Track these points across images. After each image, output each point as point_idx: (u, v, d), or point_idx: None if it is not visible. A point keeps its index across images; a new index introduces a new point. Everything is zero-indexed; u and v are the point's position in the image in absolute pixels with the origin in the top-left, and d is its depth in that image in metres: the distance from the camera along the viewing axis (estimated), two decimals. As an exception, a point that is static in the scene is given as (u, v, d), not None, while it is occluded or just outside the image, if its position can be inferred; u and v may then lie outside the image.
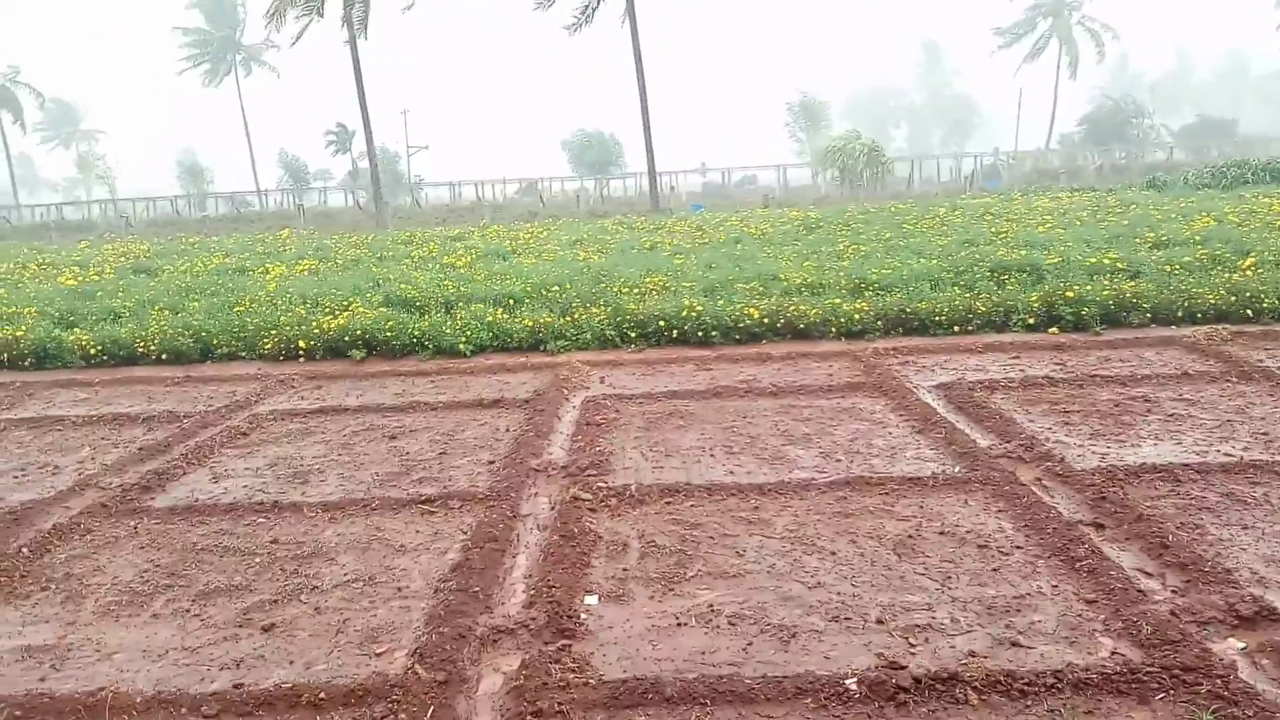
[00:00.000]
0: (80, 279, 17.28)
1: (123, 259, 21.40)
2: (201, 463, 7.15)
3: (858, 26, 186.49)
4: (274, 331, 11.07)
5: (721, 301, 11.18)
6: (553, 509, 5.78)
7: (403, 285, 13.32)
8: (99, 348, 11.08)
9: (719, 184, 60.31)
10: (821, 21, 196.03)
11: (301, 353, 10.79)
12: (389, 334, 10.73)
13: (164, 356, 10.96)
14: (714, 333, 10.50)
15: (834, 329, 10.53)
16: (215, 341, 11.13)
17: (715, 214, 28.16)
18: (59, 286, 16.11)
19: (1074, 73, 68.36)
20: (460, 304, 11.98)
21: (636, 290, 12.18)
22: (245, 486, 6.53)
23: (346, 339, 10.76)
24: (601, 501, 5.81)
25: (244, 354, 11.04)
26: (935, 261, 13.17)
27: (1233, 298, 10.43)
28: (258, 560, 5.25)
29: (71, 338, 11.33)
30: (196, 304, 13.05)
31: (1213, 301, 10.40)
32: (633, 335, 10.64)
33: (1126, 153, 61.61)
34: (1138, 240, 14.54)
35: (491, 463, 6.74)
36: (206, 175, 75.88)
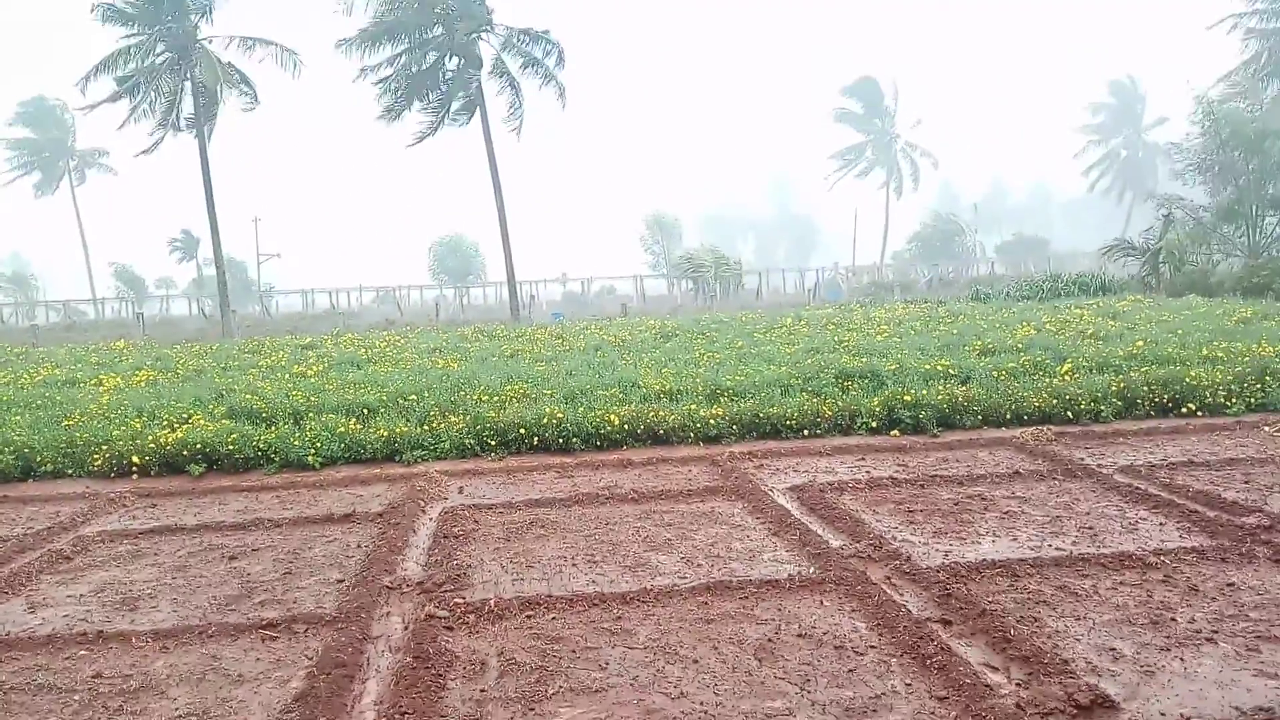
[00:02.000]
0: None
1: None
2: (16, 591, 6.49)
3: (710, 150, 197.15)
4: (105, 446, 10.33)
5: (582, 408, 11.22)
6: (406, 629, 5.52)
7: (248, 396, 12.75)
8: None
9: (579, 293, 61.34)
10: (676, 143, 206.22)
11: (135, 469, 10.08)
12: (231, 447, 10.20)
13: (-25, 476, 10.03)
14: (575, 439, 10.50)
15: (692, 434, 10.71)
16: (39, 458, 10.28)
17: (575, 322, 28.50)
18: None
19: (900, 193, 74.25)
20: (310, 414, 11.55)
21: (496, 398, 12.09)
22: (66, 616, 5.95)
23: (185, 453, 10.15)
24: (459, 618, 5.60)
25: (71, 471, 10.22)
26: (785, 369, 13.69)
27: (1054, 400, 11.25)
28: (77, 698, 4.75)
29: None
30: (19, 419, 12.05)
31: (1037, 404, 11.19)
32: (493, 444, 10.51)
33: (954, 267, 66.76)
34: (967, 348, 15.58)
35: (341, 581, 6.41)
36: (34, 283, 71.40)
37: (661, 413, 10.94)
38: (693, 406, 11.23)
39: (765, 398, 11.67)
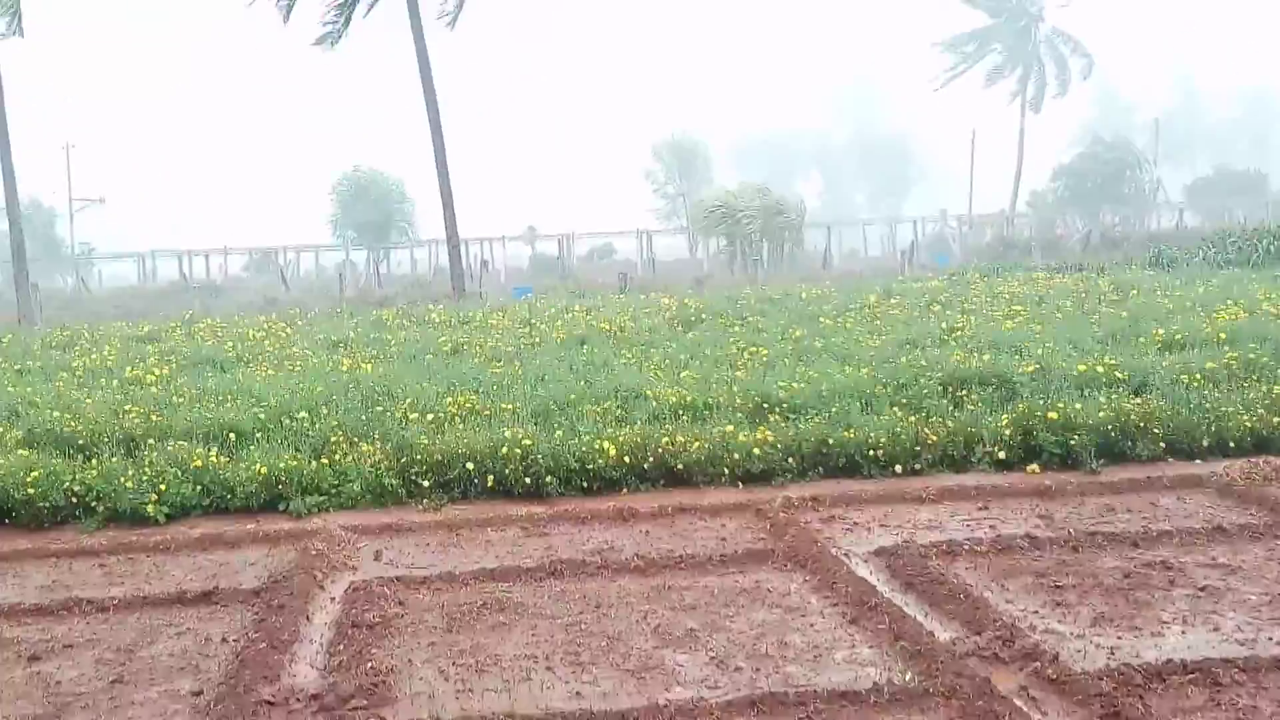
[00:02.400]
0: None
1: None
2: None
3: (750, 46, 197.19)
4: None
5: (561, 431, 11.23)
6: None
7: (57, 413, 12.78)
8: None
9: (556, 257, 61.45)
10: (700, 39, 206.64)
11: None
12: (31, 491, 10.21)
13: None
14: (550, 479, 10.51)
15: (727, 470, 10.71)
16: None
17: (550, 301, 28.49)
18: None
19: (1039, 106, 74.00)
20: (151, 442, 11.57)
21: (432, 416, 12.10)
22: None
23: (-38, 499, 10.16)
24: (375, 749, 5.60)
25: None
26: (866, 371, 13.65)
27: (1276, 420, 11.21)
28: None
29: None
30: None
31: (1249, 425, 11.16)
32: (425, 485, 10.52)
33: (1121, 216, 66.58)
34: (1142, 340, 15.55)
35: (197, 695, 6.41)
36: None
37: (681, 438, 10.93)
38: (728, 429, 11.23)
39: (837, 416, 11.65)
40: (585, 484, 10.59)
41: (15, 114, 38.18)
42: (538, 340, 18.77)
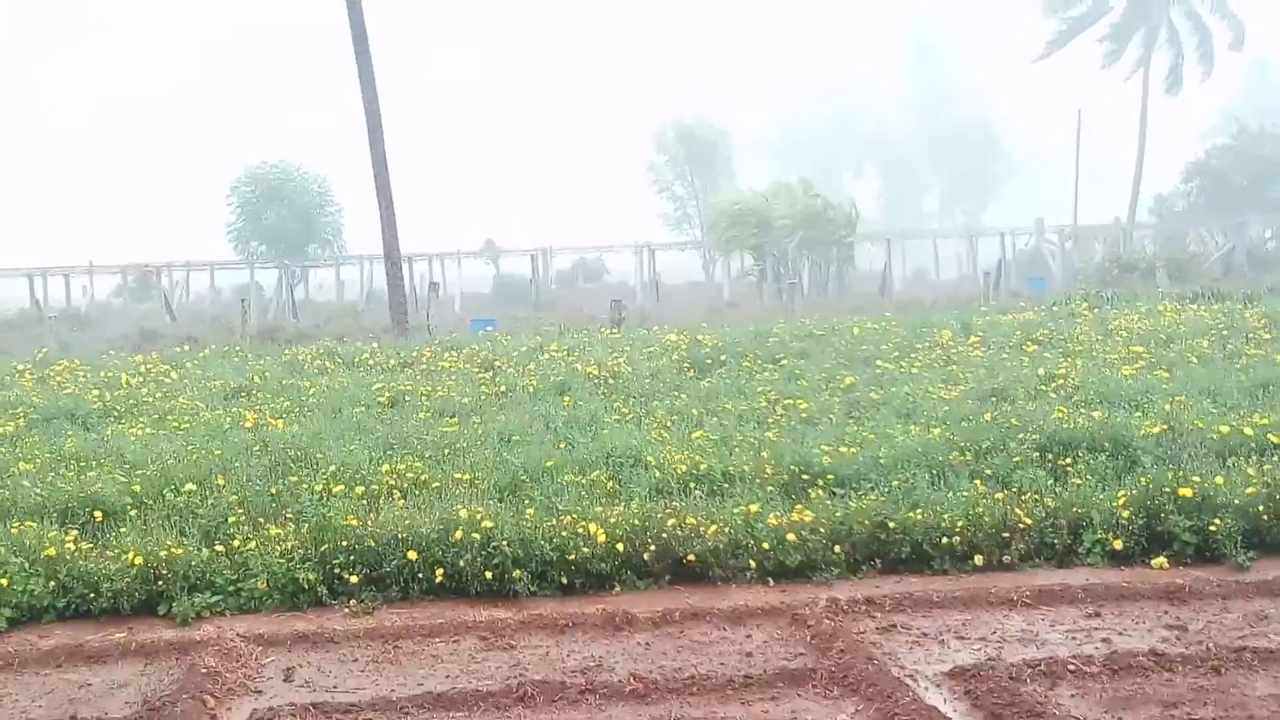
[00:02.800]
0: None
1: None
2: None
3: (781, 16, 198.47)
4: None
5: (534, 510, 11.20)
6: None
7: None
8: None
9: (527, 280, 61.56)
10: (716, 13, 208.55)
11: None
12: None
13: None
14: (518, 573, 10.48)
15: (753, 563, 10.69)
16: None
17: (520, 337, 28.41)
18: None
19: (1177, 87, 73.81)
20: (-9, 520, 11.54)
21: (362, 490, 12.06)
22: None
23: None
24: None
25: None
26: (938, 432, 13.62)
27: None
28: None
29: None
30: None
31: None
32: (353, 580, 10.49)
33: (1275, 230, 66.23)
34: (1304, 392, 15.49)
35: None
36: None
37: (692, 519, 10.92)
38: (754, 508, 11.20)
39: (899, 491, 11.62)
40: (565, 580, 10.54)
41: None
42: (503, 389, 18.75)
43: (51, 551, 10.63)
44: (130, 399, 19.08)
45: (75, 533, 11.18)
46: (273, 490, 12.19)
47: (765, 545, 10.75)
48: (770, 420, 15.22)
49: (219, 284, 68.81)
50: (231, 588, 10.50)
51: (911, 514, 11.06)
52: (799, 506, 11.36)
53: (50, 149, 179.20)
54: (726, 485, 12.11)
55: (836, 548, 10.85)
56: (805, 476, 12.21)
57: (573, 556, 10.59)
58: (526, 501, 11.64)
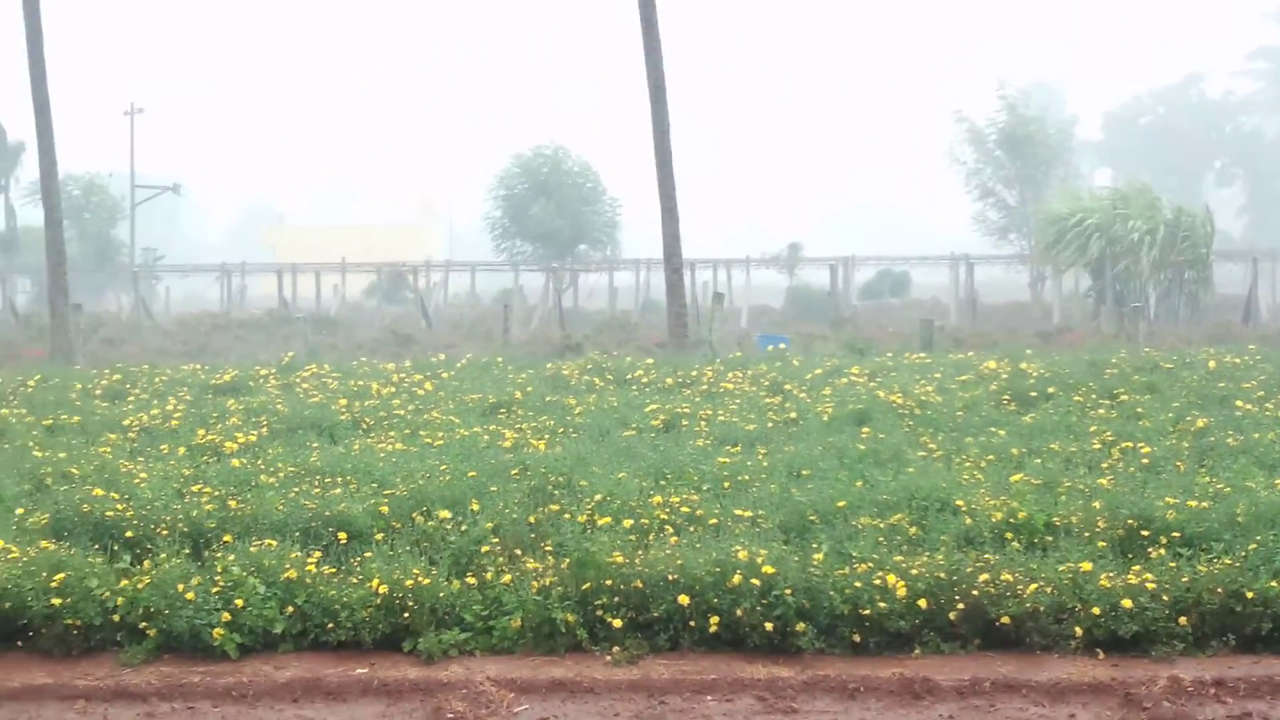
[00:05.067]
0: None
1: None
2: None
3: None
4: None
5: (823, 556, 11.12)
6: None
7: (97, 491, 13.27)
8: None
9: (824, 292, 61.37)
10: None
11: None
12: (57, 601, 10.62)
13: None
14: (803, 626, 10.43)
15: (1079, 630, 10.48)
16: None
17: (815, 358, 28.30)
18: None
19: None
20: (227, 538, 11.90)
21: (630, 523, 12.12)
22: None
23: (-43, 609, 10.65)
24: None
25: None
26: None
27: None
28: None
29: None
30: None
31: None
32: (617, 625, 10.54)
33: None
34: None
35: None
36: None
37: (1008, 575, 10.73)
38: (1083, 566, 10.96)
39: (1259, 555, 11.24)
40: (857, 637, 10.44)
41: (61, 67, 40.24)
42: (793, 416, 18.69)
43: (292, 574, 10.93)
44: (380, 411, 19.53)
45: (318, 554, 11.48)
46: (531, 519, 12.35)
47: (1095, 610, 10.49)
48: (1104, 465, 14.85)
49: (481, 287, 69.96)
50: (482, 625, 10.66)
51: (1273, 584, 10.68)
52: (1136, 567, 11.06)
53: (307, 132, 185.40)
54: (1049, 538, 11.85)
55: (1179, 618, 10.50)
56: (1144, 533, 11.87)
57: (866, 611, 10.46)
58: (815, 545, 11.50)
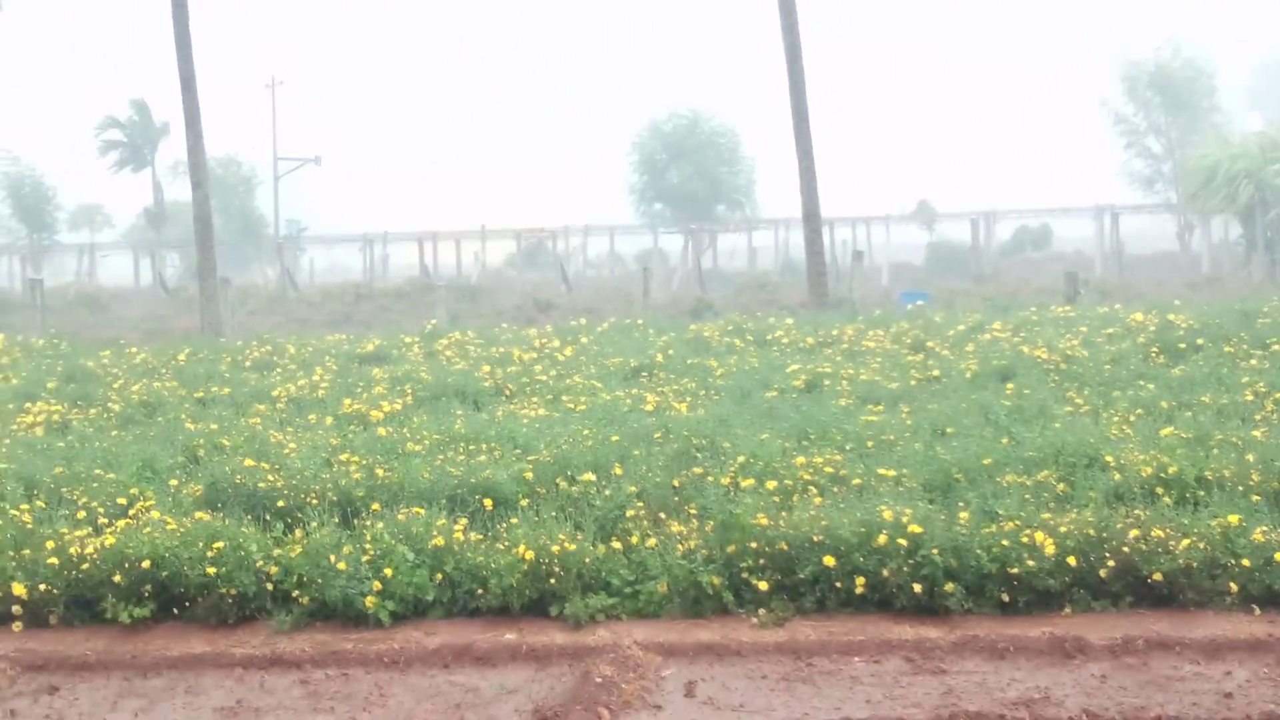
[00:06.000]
0: None
1: None
2: None
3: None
4: (-40, 559, 11.22)
5: (969, 515, 11.05)
6: None
7: (249, 461, 13.44)
8: None
9: (961, 247, 60.80)
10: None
11: (19, 608, 10.88)
12: (212, 571, 10.79)
13: None
14: (951, 586, 10.38)
15: (1234, 586, 10.32)
16: None
17: (957, 314, 28.00)
18: None
19: None
20: (375, 506, 12.02)
21: (774, 485, 12.10)
22: None
23: (118, 578, 10.84)
24: None
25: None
26: None
27: None
28: None
29: None
30: None
31: None
32: (763, 587, 10.53)
33: None
34: None
35: None
36: None
37: (1159, 531, 10.59)
38: (1235, 520, 10.78)
39: None
40: (1005, 597, 10.36)
41: (206, 41, 40.77)
42: (936, 374, 18.58)
43: (440, 541, 11.01)
44: (523, 377, 19.67)
45: (464, 521, 11.55)
46: (675, 482, 12.37)
47: (1248, 564, 10.30)
48: (1257, 417, 14.61)
49: (620, 249, 70.07)
50: (628, 589, 10.69)
51: None
52: (1290, 520, 10.91)
53: (441, 104, 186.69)
54: (1201, 493, 11.66)
55: (1339, 566, 10.36)
56: (1301, 482, 11.71)
57: (1015, 570, 10.36)
58: (961, 504, 11.41)
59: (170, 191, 78.02)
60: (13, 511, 12.10)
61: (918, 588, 10.37)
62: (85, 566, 10.93)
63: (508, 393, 18.46)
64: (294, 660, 9.92)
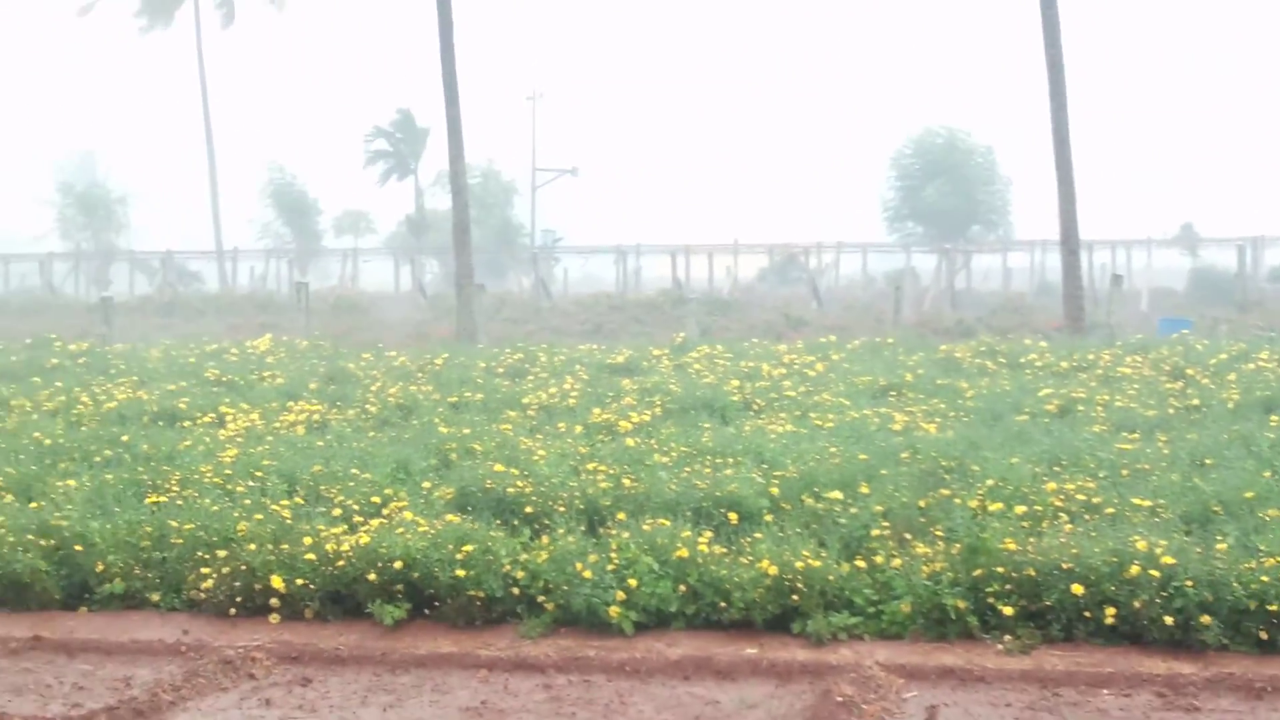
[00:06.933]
0: None
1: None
2: None
3: None
4: (222, 553, 11.60)
5: (1228, 547, 10.74)
6: None
7: (499, 466, 13.64)
8: None
9: (1225, 273, 59.29)
10: None
11: (276, 600, 11.22)
12: (461, 573, 10.97)
13: (-8, 592, 11.70)
14: (1206, 620, 10.10)
15: None
16: (102, 566, 11.76)
17: (1217, 343, 27.33)
18: None
19: None
20: (621, 515, 12.14)
21: (1023, 510, 11.92)
22: None
23: (371, 578, 11.11)
24: None
25: (158, 597, 11.63)
26: None
27: None
28: None
29: None
30: (72, 484, 13.84)
31: None
32: (1008, 612, 10.40)
33: None
34: None
35: None
36: (115, 209, 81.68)
37: None
38: None
39: None
40: (1264, 634, 10.06)
41: (469, 55, 41.54)
42: (1196, 403, 18.20)
43: (684, 553, 11.04)
44: (771, 392, 19.71)
45: (709, 534, 11.56)
46: (921, 503, 12.29)
47: None
48: None
49: (872, 268, 69.73)
50: (871, 609, 10.63)
51: None
52: None
53: (694, 118, 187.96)
54: None
55: None
56: None
57: (1274, 607, 10.05)
58: (1219, 537, 11.12)
59: (430, 199, 79.71)
60: (274, 507, 12.47)
61: (1170, 620, 10.12)
62: (340, 563, 11.23)
63: (755, 407, 18.49)
64: (538, 665, 10.05)
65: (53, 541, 11.94)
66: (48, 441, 16.03)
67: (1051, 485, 12.71)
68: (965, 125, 72.91)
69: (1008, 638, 10.29)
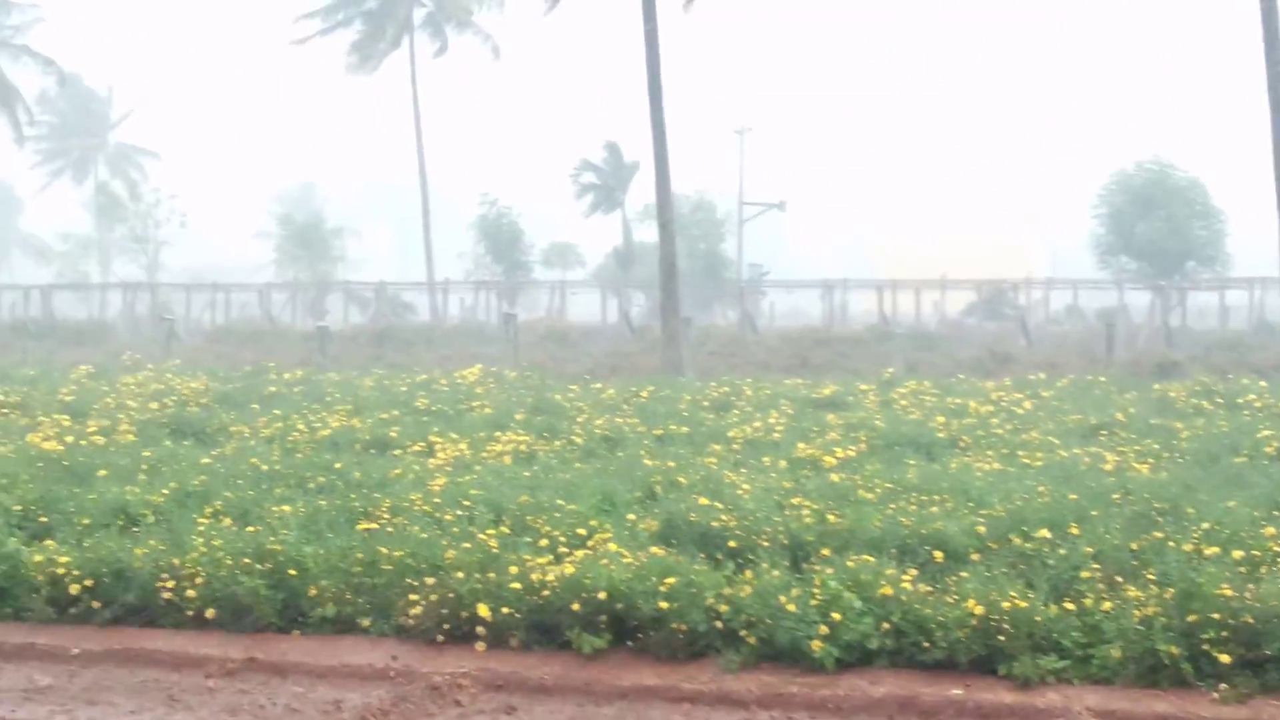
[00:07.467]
0: (68, 440, 19.07)
1: (155, 404, 23.53)
2: None
3: None
4: (433, 579, 11.78)
5: None
6: None
7: (703, 500, 13.64)
8: (84, 583, 12.25)
9: None
10: None
11: (482, 628, 11.35)
12: (665, 605, 10.99)
13: (209, 614, 11.94)
14: None
15: None
16: (314, 590, 12.03)
17: None
18: (26, 452, 17.81)
19: None
20: (825, 551, 12.07)
21: (1241, 554, 11.62)
22: None
23: (576, 606, 11.17)
24: None
25: (368, 622, 11.83)
26: None
27: None
28: None
29: (38, 558, 12.61)
30: (287, 509, 14.13)
31: None
32: (1225, 660, 10.13)
33: None
34: None
35: None
36: (330, 240, 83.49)
37: None
38: None
39: None
40: None
41: (675, 90, 41.80)
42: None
43: (888, 590, 10.96)
44: (978, 429, 19.54)
45: (913, 572, 11.48)
46: (1133, 545, 12.03)
47: None
48: None
49: (1083, 303, 68.68)
50: (1080, 652, 10.44)
51: None
52: None
53: (899, 152, 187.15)
54: None
55: None
56: None
57: None
58: None
59: (637, 232, 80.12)
60: (481, 536, 12.62)
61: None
62: (545, 593, 11.33)
63: (962, 444, 18.30)
64: (740, 700, 10.04)
65: (269, 565, 12.21)
66: (264, 467, 16.37)
67: (1270, 530, 12.35)
68: (1173, 158, 71.16)
69: (1223, 686, 10.01)
